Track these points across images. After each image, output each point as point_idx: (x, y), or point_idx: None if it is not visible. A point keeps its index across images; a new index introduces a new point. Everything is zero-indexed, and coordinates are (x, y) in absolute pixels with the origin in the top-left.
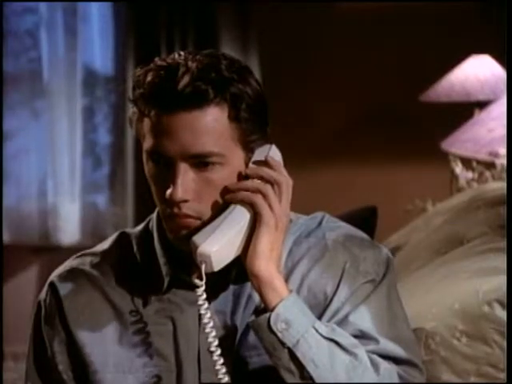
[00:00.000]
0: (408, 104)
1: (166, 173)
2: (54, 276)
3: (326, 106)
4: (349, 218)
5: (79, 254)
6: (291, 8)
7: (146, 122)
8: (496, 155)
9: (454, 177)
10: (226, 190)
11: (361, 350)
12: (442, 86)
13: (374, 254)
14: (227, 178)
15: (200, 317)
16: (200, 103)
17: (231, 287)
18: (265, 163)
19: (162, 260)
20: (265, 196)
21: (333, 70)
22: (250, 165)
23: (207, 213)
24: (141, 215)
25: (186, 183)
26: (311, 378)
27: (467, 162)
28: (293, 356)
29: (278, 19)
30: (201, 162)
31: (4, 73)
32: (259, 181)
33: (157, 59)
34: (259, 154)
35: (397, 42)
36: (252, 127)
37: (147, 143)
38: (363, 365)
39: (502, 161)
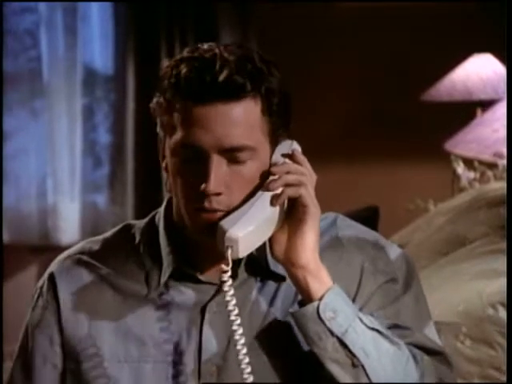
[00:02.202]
0: (409, 103)
1: (197, 165)
2: (53, 265)
3: (327, 106)
4: (351, 218)
5: (82, 242)
6: (291, 8)
7: (177, 115)
8: (501, 156)
9: (455, 177)
10: (259, 186)
11: (401, 341)
12: (443, 85)
13: (389, 252)
14: (256, 171)
15: (204, 309)
16: (237, 96)
17: (237, 283)
18: (289, 156)
19: (165, 250)
20: (307, 188)
21: (334, 70)
22: (274, 157)
23: (236, 205)
24: (140, 215)
25: (220, 176)
26: (362, 366)
27: (469, 162)
28: (341, 345)
29: (278, 19)
30: (234, 156)
31: (3, 72)
32: (295, 175)
33: (185, 50)
34: (282, 148)
35: (398, 41)
36: (280, 121)
37: (178, 135)
38: (406, 355)
39: (505, 161)
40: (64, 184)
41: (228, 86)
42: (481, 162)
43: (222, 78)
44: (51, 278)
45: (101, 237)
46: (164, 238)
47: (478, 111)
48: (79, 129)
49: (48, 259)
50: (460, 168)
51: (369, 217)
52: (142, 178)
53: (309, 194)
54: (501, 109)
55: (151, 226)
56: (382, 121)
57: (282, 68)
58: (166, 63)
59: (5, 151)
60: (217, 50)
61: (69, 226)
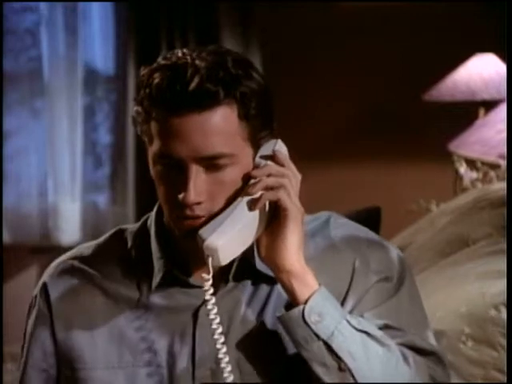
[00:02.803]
0: (412, 103)
1: (176, 175)
2: (46, 273)
3: (327, 106)
4: (352, 219)
5: (75, 248)
6: (292, 7)
7: (154, 124)
8: (505, 157)
9: (458, 177)
10: (242, 190)
11: (392, 342)
12: (446, 85)
13: (382, 251)
14: (238, 176)
15: (196, 312)
16: (210, 104)
17: (230, 286)
18: (271, 157)
19: (156, 255)
20: (287, 191)
21: (335, 69)
22: (257, 159)
23: (218, 210)
24: (141, 215)
25: (199, 185)
26: (349, 370)
27: (471, 162)
28: (328, 349)
29: (279, 19)
30: (212, 163)
31: (4, 72)
32: (274, 177)
33: (160, 58)
34: (265, 148)
35: (400, 41)
36: (261, 124)
37: (155, 146)
38: (396, 356)
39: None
40: (64, 184)
41: (200, 94)
42: (483, 163)
43: (192, 87)
44: (44, 286)
45: (93, 242)
46: (155, 242)
47: (481, 111)
48: (80, 129)
49: (48, 259)
50: (462, 168)
51: (370, 217)
52: (142, 178)
53: (288, 197)
54: (504, 109)
55: (143, 231)
56: (383, 121)
57: (284, 67)
58: (142, 71)
59: (5, 151)
60: (189, 58)
61: (69, 227)
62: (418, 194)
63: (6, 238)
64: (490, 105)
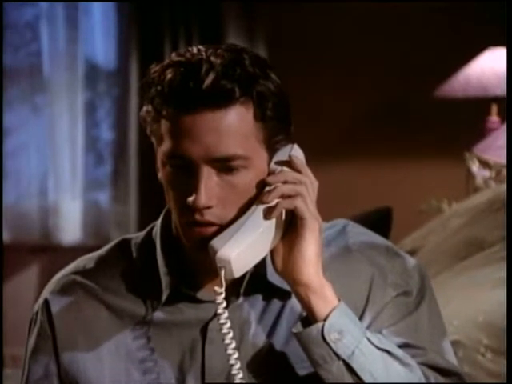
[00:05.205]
0: (423, 100)
1: (187, 177)
2: (47, 288)
3: (335, 103)
4: (362, 220)
5: (77, 260)
6: (297, 6)
7: (164, 123)
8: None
9: (470, 175)
10: (255, 197)
11: (413, 361)
12: (458, 81)
13: (400, 263)
14: (252, 181)
15: (206, 329)
16: (225, 103)
17: (240, 299)
18: (287, 163)
19: (162, 270)
20: (304, 199)
21: (345, 66)
22: (272, 165)
23: (231, 218)
24: (144, 213)
25: (210, 188)
26: None
27: (484, 160)
28: (348, 368)
29: (282, 16)
30: (225, 166)
31: (3, 67)
32: (290, 185)
33: (173, 54)
34: (281, 154)
35: (411, 36)
36: (277, 126)
37: (165, 145)
38: (418, 377)
39: None
40: (65, 182)
41: (214, 92)
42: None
43: (207, 84)
44: (45, 303)
45: (96, 253)
46: (161, 256)
47: (493, 107)
48: (81, 125)
49: (49, 259)
50: (475, 166)
51: (381, 218)
52: (145, 175)
53: (305, 206)
54: None
55: (148, 241)
56: (394, 118)
57: (289, 67)
58: (152, 68)
59: (5, 148)
60: (204, 54)
61: (70, 225)
62: (428, 193)
63: (6, 236)
64: (502, 100)
